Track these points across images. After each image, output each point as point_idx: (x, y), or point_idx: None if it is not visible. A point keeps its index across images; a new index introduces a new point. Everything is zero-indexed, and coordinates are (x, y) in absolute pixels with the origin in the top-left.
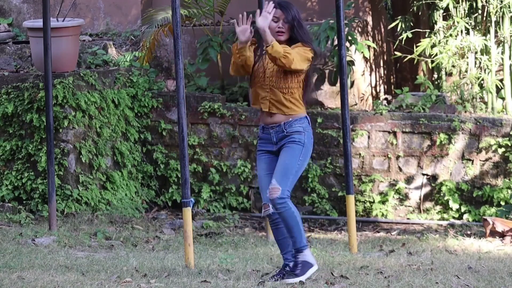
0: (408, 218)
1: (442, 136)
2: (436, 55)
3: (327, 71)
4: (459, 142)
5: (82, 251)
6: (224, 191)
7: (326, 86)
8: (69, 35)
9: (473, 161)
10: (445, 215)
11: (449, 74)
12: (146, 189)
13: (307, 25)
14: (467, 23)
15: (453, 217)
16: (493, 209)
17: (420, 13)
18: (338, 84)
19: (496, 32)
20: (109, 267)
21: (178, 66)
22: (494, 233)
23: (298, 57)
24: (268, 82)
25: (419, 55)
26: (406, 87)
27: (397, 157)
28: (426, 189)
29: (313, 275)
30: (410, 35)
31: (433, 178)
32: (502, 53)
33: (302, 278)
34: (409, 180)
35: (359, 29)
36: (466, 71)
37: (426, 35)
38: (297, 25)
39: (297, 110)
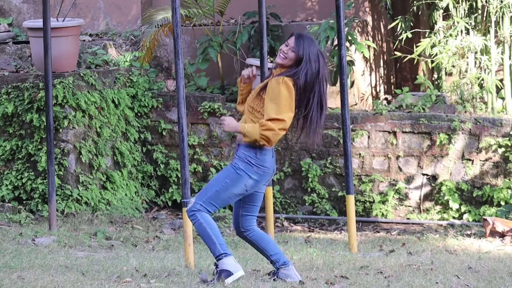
0: (408, 218)
1: (442, 136)
2: (436, 55)
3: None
4: (459, 142)
5: (82, 251)
6: None
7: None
8: (69, 35)
9: (473, 161)
10: (445, 215)
11: (449, 74)
12: (146, 189)
13: (307, 25)
14: (467, 23)
15: (453, 217)
16: (493, 209)
17: (420, 13)
18: (338, 84)
19: (496, 32)
20: (109, 267)
21: (178, 66)
22: (494, 233)
23: (277, 111)
24: (248, 102)
25: (419, 55)
26: (406, 87)
27: (397, 157)
28: (426, 189)
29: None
30: (410, 35)
31: (433, 178)
32: (502, 53)
33: None
34: (409, 180)
35: (359, 29)
36: (466, 71)
37: (426, 35)
38: (304, 60)
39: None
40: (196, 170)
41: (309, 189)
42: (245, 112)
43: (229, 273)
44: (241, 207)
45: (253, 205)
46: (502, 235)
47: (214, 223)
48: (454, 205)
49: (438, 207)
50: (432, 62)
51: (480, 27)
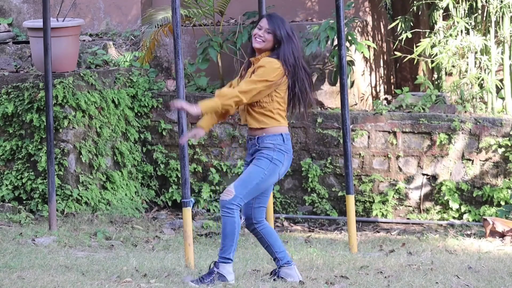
0: (408, 218)
1: (442, 136)
2: (436, 55)
3: (327, 71)
4: (459, 142)
5: (82, 251)
6: None
7: (326, 86)
8: (69, 35)
9: (473, 161)
10: (445, 215)
11: (449, 74)
12: (146, 189)
13: (307, 25)
14: (467, 23)
15: (453, 217)
16: (493, 209)
17: (420, 13)
18: (338, 84)
19: (496, 32)
20: (109, 267)
21: (178, 66)
22: (494, 233)
23: (247, 87)
24: None
25: (419, 55)
26: (406, 87)
27: (397, 157)
28: (426, 189)
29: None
30: (410, 35)
31: (433, 178)
32: (502, 53)
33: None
34: (409, 180)
35: (359, 29)
36: (466, 71)
37: (426, 35)
38: (285, 38)
39: (270, 123)
40: (196, 170)
41: (309, 189)
42: (244, 108)
43: (224, 279)
44: (254, 198)
45: (266, 196)
46: (502, 235)
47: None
48: (454, 205)
49: (438, 207)
50: (432, 62)
51: (480, 27)
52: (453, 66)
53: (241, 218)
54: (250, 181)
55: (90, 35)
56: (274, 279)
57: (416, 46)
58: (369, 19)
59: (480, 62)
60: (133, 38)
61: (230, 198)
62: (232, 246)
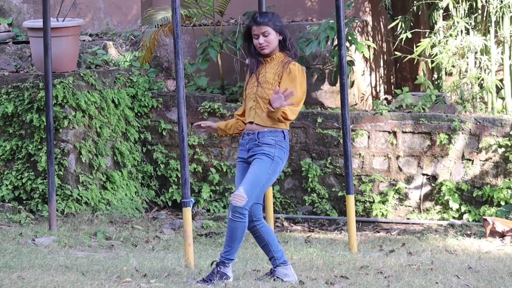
0: (408, 218)
1: (442, 136)
2: (436, 55)
3: (327, 71)
4: (459, 142)
5: (82, 251)
6: (224, 191)
7: (326, 86)
8: (69, 35)
9: (473, 161)
10: (445, 215)
11: (449, 74)
12: (146, 189)
13: (307, 25)
14: (467, 23)
15: (453, 217)
16: (493, 209)
17: (420, 13)
18: (338, 84)
19: (496, 32)
20: (109, 267)
21: (178, 66)
22: (494, 233)
23: (299, 97)
24: (255, 91)
25: (419, 55)
26: (406, 87)
27: (397, 157)
28: (426, 189)
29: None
30: (410, 35)
31: (433, 178)
32: (502, 53)
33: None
34: (409, 180)
35: (359, 29)
36: (466, 71)
37: (426, 35)
38: (283, 30)
39: (276, 122)
40: (196, 170)
41: (309, 189)
42: (256, 101)
43: (228, 277)
44: None
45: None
46: (502, 235)
47: None
48: (454, 205)
49: (438, 207)
50: (432, 62)
51: (480, 27)
52: (453, 66)
53: None
54: (258, 183)
55: (90, 35)
56: (274, 279)
57: (416, 46)
58: (369, 19)
59: (480, 62)
60: (133, 38)
61: (243, 203)
62: (236, 249)
